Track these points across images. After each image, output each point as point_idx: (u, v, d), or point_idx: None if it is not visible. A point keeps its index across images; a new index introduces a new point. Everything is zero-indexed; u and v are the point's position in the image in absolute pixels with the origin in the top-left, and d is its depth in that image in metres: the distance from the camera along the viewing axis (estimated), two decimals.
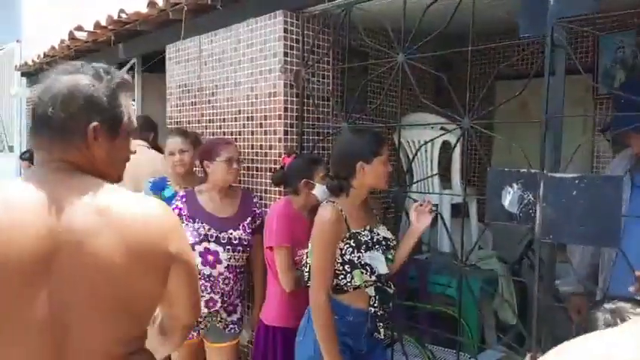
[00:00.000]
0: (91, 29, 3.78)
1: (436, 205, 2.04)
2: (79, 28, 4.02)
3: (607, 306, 1.03)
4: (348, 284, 1.70)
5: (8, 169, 6.04)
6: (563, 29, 1.47)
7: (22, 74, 5.74)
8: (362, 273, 1.69)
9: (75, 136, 0.98)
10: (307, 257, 1.81)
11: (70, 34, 4.08)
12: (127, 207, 0.99)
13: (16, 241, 0.86)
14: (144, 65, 4.06)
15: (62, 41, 4.34)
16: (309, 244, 1.78)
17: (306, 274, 1.79)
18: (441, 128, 2.79)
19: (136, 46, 3.63)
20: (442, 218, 2.15)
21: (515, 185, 1.53)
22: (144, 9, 3.14)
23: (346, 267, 1.70)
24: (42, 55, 4.88)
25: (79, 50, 4.26)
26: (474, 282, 2.40)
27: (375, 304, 1.73)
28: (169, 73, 3.19)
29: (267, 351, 2.11)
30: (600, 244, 1.65)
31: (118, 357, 0.95)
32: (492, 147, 3.82)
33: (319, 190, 2.07)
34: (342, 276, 1.70)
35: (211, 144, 2.27)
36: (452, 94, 1.90)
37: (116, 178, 1.12)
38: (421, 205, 1.86)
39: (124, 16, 3.34)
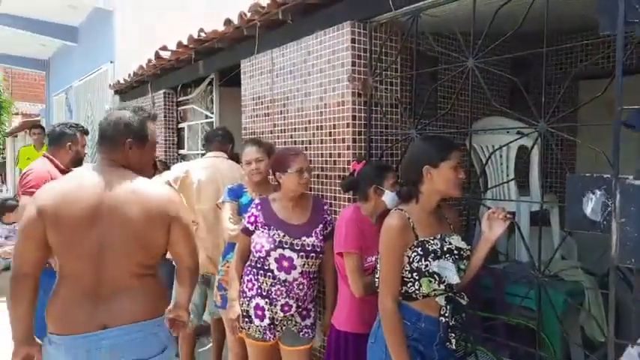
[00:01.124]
0: (174, 48, 4.08)
1: (513, 213, 1.95)
2: (164, 48, 4.34)
3: None
4: (417, 292, 1.69)
5: None
6: None
7: (115, 92, 6.30)
8: (430, 282, 1.67)
9: (119, 145, 1.70)
10: (378, 263, 1.81)
11: (156, 54, 4.42)
12: (147, 188, 1.67)
13: (80, 202, 1.57)
14: (221, 80, 4.30)
15: (149, 61, 4.71)
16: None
17: (377, 280, 1.79)
18: (518, 132, 2.67)
19: (213, 62, 3.86)
20: (518, 226, 2.06)
21: (597, 192, 1.44)
22: (221, 27, 3.33)
23: (414, 275, 1.68)
24: (132, 74, 5.33)
25: (163, 68, 4.60)
26: (555, 294, 2.26)
27: (446, 314, 1.70)
28: (244, 87, 3.35)
29: (339, 356, 2.13)
30: None
31: (135, 275, 1.63)
32: (576, 151, 3.58)
33: (388, 196, 2.07)
34: (410, 283, 1.69)
35: (282, 156, 2.34)
36: (526, 97, 1.82)
37: (146, 174, 1.77)
38: (494, 212, 1.79)
39: (203, 35, 3.57)
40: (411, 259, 1.68)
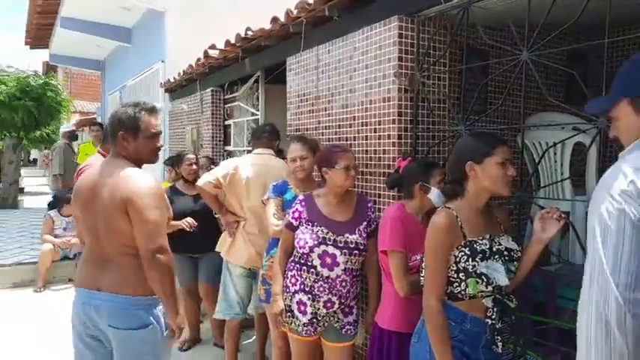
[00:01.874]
0: (223, 47, 4.17)
1: (567, 213, 1.86)
2: (212, 47, 4.45)
3: None
4: (463, 292, 1.64)
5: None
6: None
7: (165, 90, 6.53)
8: (477, 283, 1.61)
9: (116, 138, 1.91)
10: (423, 262, 1.78)
11: (205, 52, 4.54)
12: (121, 175, 1.84)
13: (86, 187, 1.89)
14: (267, 77, 4.36)
15: (198, 60, 4.85)
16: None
17: (422, 278, 1.76)
18: (574, 128, 2.55)
19: (260, 60, 3.92)
20: (573, 227, 1.96)
21: None
22: (267, 25, 3.38)
23: (460, 275, 1.63)
24: (181, 73, 5.50)
25: (211, 67, 4.72)
26: None
27: (493, 316, 1.64)
28: (289, 84, 3.38)
29: (382, 354, 2.12)
30: None
31: (119, 252, 1.83)
32: None
33: (434, 194, 2.03)
34: (457, 284, 1.65)
35: (329, 152, 2.34)
36: (585, 91, 1.73)
37: (147, 162, 1.99)
38: (548, 212, 1.71)
39: (250, 33, 3.63)
40: (457, 259, 1.63)
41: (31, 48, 11.31)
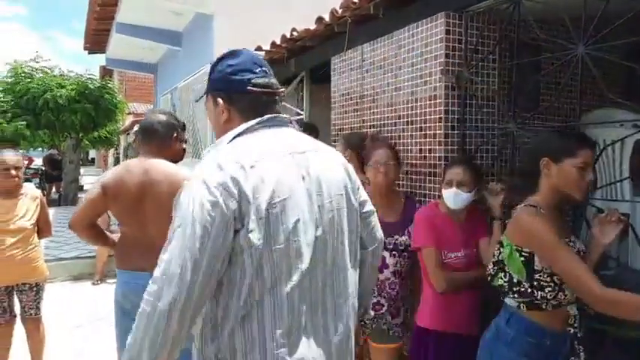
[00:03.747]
0: (268, 48, 4.24)
1: (627, 215, 1.76)
2: (259, 49, 4.53)
3: None
4: (550, 301, 1.49)
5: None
6: None
7: None
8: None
9: (169, 141, 2.26)
10: (554, 267, 1.47)
11: None
12: (184, 172, 2.14)
13: (128, 183, 2.12)
14: (311, 77, 4.39)
15: None
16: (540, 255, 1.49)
17: (505, 283, 1.57)
18: (634, 125, 2.40)
19: (304, 60, 3.95)
20: (634, 230, 1.85)
21: None
22: (312, 26, 3.40)
23: (555, 279, 1.48)
24: None
25: None
26: None
27: (575, 324, 1.52)
28: (334, 83, 3.39)
29: (420, 352, 2.10)
30: None
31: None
32: None
33: (447, 193, 2.01)
34: (550, 289, 1.48)
35: (369, 148, 2.35)
36: None
37: (179, 160, 2.32)
38: (607, 215, 1.61)
39: (295, 34, 3.67)
40: None
41: (89, 53, 11.94)
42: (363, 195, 1.43)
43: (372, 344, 2.33)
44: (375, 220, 1.48)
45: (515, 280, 1.54)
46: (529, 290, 1.50)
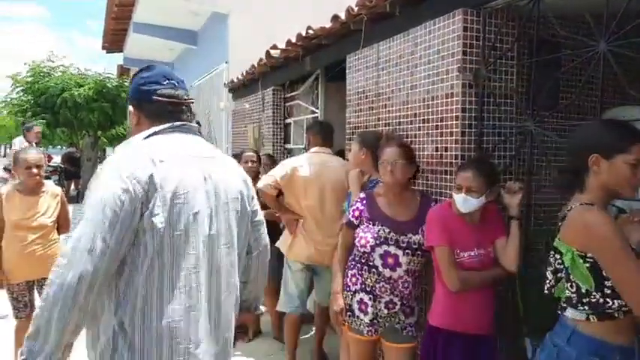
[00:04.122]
0: (284, 47, 4.24)
1: None
2: (274, 47, 4.55)
3: None
4: (622, 308, 1.36)
5: None
6: None
7: (229, 90, 6.75)
8: None
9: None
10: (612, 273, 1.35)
11: (267, 53, 4.65)
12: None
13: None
14: (326, 75, 4.39)
15: (260, 60, 4.97)
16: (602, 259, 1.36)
17: (573, 294, 1.42)
18: None
19: (319, 58, 3.95)
20: None
21: None
22: (327, 24, 3.40)
23: None
24: (244, 73, 5.67)
25: (273, 66, 4.83)
26: None
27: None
28: (349, 81, 3.38)
29: (429, 351, 2.09)
30: None
31: None
32: None
33: (457, 198, 2.01)
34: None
35: (382, 145, 2.33)
36: None
37: None
38: (629, 217, 1.57)
39: (310, 32, 3.66)
40: None
41: (107, 52, 12.11)
42: (256, 205, 1.69)
43: (385, 343, 2.32)
44: (263, 229, 1.75)
45: (583, 291, 1.39)
46: (601, 300, 1.36)
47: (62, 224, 3.17)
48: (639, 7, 1.64)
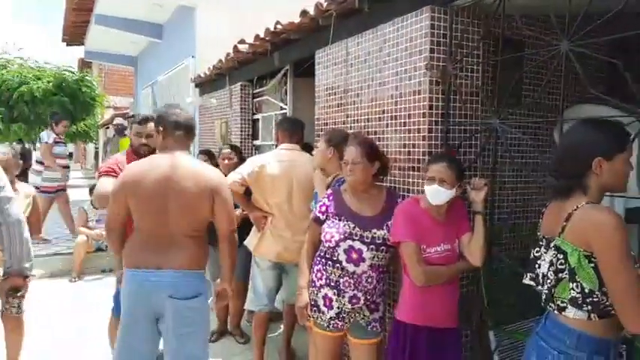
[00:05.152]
0: (252, 42, 4.18)
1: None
2: (242, 42, 4.48)
3: None
4: None
5: None
6: None
7: (196, 85, 6.62)
8: None
9: (192, 136, 2.33)
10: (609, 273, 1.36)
11: (235, 47, 4.57)
12: (209, 167, 2.34)
13: (150, 177, 2.12)
14: (295, 71, 4.35)
15: (227, 54, 4.89)
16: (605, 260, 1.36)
17: (578, 295, 1.41)
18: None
19: (288, 53, 3.91)
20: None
21: None
22: (296, 19, 3.36)
23: None
24: (211, 68, 5.56)
25: (241, 61, 4.75)
26: None
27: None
28: (318, 77, 3.36)
29: (398, 346, 2.10)
30: None
31: (188, 235, 2.14)
32: None
33: (429, 189, 2.02)
34: None
35: (346, 145, 2.32)
36: (629, 82, 1.65)
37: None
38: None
39: (279, 27, 3.62)
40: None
41: (67, 45, 11.65)
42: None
43: (350, 339, 2.33)
44: (9, 206, 2.38)
45: (587, 291, 1.40)
46: (602, 299, 1.39)
47: (33, 226, 3.01)
48: (600, 9, 1.69)
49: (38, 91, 10.18)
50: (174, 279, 2.10)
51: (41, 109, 10.28)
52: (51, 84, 10.46)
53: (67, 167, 6.50)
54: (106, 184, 2.52)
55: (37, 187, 6.27)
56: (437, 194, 2.01)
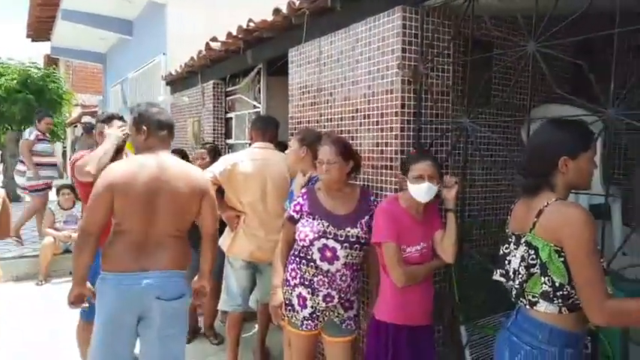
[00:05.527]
0: (224, 39, 4.13)
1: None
2: (214, 39, 4.42)
3: None
4: None
5: None
6: None
7: (167, 83, 6.50)
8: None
9: (171, 136, 2.28)
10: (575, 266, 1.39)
11: (206, 45, 4.51)
12: (196, 169, 2.34)
13: (140, 178, 2.06)
14: (268, 69, 4.32)
15: (199, 52, 4.81)
16: (574, 254, 1.39)
17: (550, 289, 1.44)
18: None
19: (261, 52, 3.88)
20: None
21: None
22: (269, 17, 3.34)
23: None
24: (183, 66, 5.47)
25: (213, 59, 4.69)
26: (617, 293, 2.11)
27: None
28: (291, 76, 3.35)
29: (379, 346, 2.12)
30: None
31: (172, 235, 2.13)
32: None
33: (418, 188, 2.03)
34: None
35: (320, 145, 2.32)
36: (593, 82, 1.70)
37: None
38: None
39: (252, 25, 3.59)
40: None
41: (32, 40, 11.27)
42: None
43: (325, 337, 2.33)
44: None
45: (557, 284, 1.43)
46: (572, 292, 1.42)
47: (2, 227, 2.86)
48: (566, 11, 1.73)
49: (1, 89, 9.80)
50: (161, 280, 2.07)
51: (5, 107, 9.90)
52: (15, 81, 10.07)
53: (53, 165, 6.28)
54: (89, 160, 2.53)
55: (24, 188, 6.09)
56: (428, 191, 2.02)
